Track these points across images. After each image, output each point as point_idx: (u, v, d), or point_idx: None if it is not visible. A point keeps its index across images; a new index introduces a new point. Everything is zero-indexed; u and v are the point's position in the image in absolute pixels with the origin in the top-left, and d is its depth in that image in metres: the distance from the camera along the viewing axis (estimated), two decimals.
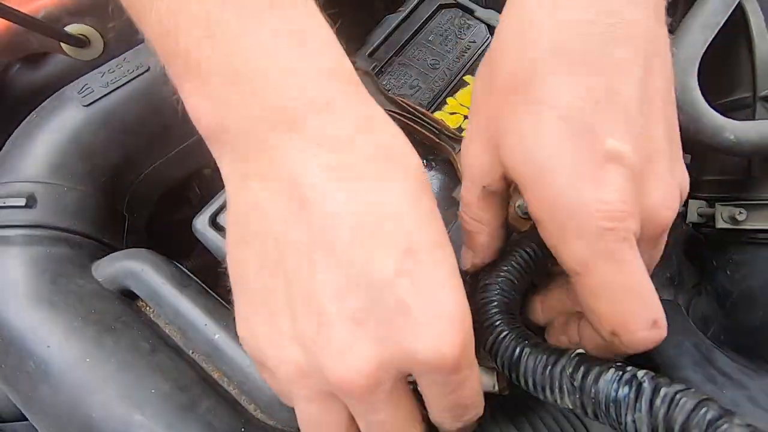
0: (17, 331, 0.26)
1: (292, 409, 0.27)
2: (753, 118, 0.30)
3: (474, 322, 0.18)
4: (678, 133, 0.21)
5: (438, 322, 0.17)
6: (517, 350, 0.20)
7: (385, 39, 0.42)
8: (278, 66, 0.18)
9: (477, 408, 0.21)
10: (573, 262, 0.19)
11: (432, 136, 0.36)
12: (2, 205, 0.28)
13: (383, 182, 0.18)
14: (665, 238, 0.21)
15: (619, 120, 0.19)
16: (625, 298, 0.19)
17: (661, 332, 0.19)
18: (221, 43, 0.18)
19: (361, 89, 0.20)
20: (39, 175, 0.30)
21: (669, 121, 0.20)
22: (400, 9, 0.44)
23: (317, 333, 0.17)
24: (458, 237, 0.33)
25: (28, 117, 0.33)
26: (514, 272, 0.23)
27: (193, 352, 0.29)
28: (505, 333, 0.21)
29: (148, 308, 0.31)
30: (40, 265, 0.28)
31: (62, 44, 0.37)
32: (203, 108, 0.18)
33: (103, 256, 0.31)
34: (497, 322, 0.22)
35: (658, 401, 0.16)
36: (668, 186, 0.20)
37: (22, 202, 0.28)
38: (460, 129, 0.39)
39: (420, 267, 0.17)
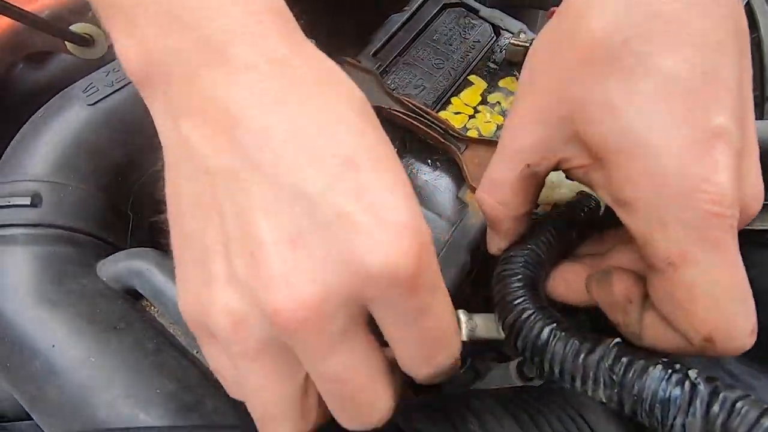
0: (22, 331, 0.26)
1: None
2: (761, 118, 0.30)
3: (495, 295, 0.17)
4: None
5: (386, 228, 0.15)
6: (545, 332, 0.18)
7: (390, 39, 0.42)
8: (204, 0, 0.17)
9: (450, 348, 0.18)
10: (669, 251, 0.17)
11: (437, 135, 0.36)
12: (7, 204, 0.28)
13: (318, 100, 0.17)
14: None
15: (726, 97, 0.17)
16: (729, 299, 0.16)
17: (753, 340, 0.17)
18: None
19: (293, 24, 0.19)
20: (44, 174, 0.30)
21: (753, 108, 0.18)
22: (404, 9, 0.44)
23: (252, 265, 0.16)
24: (461, 236, 0.33)
25: (33, 116, 0.33)
26: (543, 247, 0.21)
27: (197, 352, 0.29)
28: (530, 312, 0.19)
29: (152, 308, 0.30)
30: (45, 265, 0.28)
31: (67, 43, 0.37)
32: (131, 49, 0.18)
33: (107, 256, 0.31)
34: (521, 299, 0.20)
35: (716, 407, 0.15)
36: (759, 177, 0.18)
37: (27, 200, 0.28)
38: (465, 129, 0.39)
39: (362, 174, 0.16)
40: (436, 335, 0.17)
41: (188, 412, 0.25)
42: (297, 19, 0.19)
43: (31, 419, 0.26)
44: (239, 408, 0.27)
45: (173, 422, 0.24)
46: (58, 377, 0.25)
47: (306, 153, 0.16)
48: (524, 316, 0.19)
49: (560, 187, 0.29)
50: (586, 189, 0.26)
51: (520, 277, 0.20)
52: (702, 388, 0.15)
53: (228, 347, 0.17)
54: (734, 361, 0.31)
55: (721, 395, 0.15)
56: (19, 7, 0.32)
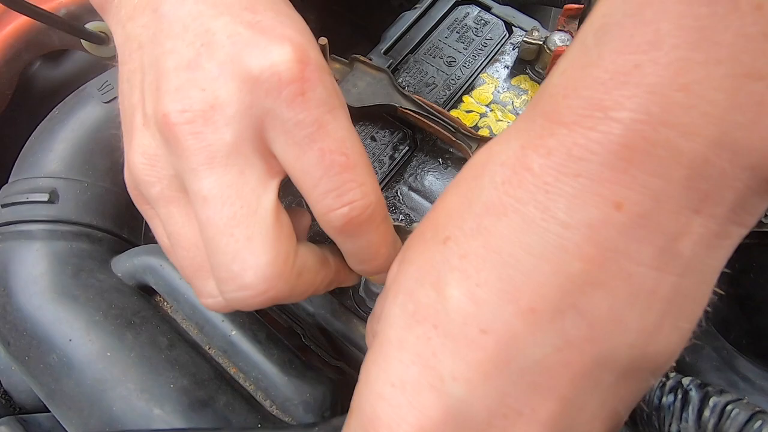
0: (40, 325, 0.26)
1: (307, 405, 0.27)
2: None
3: None
4: None
5: (268, 37, 0.16)
6: None
7: (401, 36, 0.42)
8: None
9: (363, 183, 0.17)
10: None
11: (448, 134, 0.36)
12: (26, 200, 0.29)
13: None
14: None
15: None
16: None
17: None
18: None
19: None
20: (61, 171, 0.31)
21: None
22: (416, 6, 0.44)
23: (156, 96, 0.17)
24: None
25: (50, 114, 0.34)
26: None
27: (209, 348, 0.29)
28: None
29: (165, 303, 0.31)
30: (62, 260, 0.28)
31: (82, 41, 0.37)
32: None
33: (122, 251, 0.31)
34: None
35: (707, 412, 0.15)
36: None
37: (45, 197, 0.29)
38: (477, 127, 0.38)
39: (258, 15, 0.17)
40: (341, 161, 0.16)
41: (201, 408, 0.25)
42: None
43: (49, 411, 0.27)
44: (252, 404, 0.27)
45: (186, 417, 0.24)
46: (75, 371, 0.25)
47: (213, 3, 0.17)
48: None
49: None
50: None
51: None
52: (694, 394, 0.16)
53: (149, 193, 0.18)
54: (750, 365, 0.30)
55: (712, 400, 0.16)
56: (37, 6, 0.33)
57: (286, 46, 0.16)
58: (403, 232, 0.22)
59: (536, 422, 0.13)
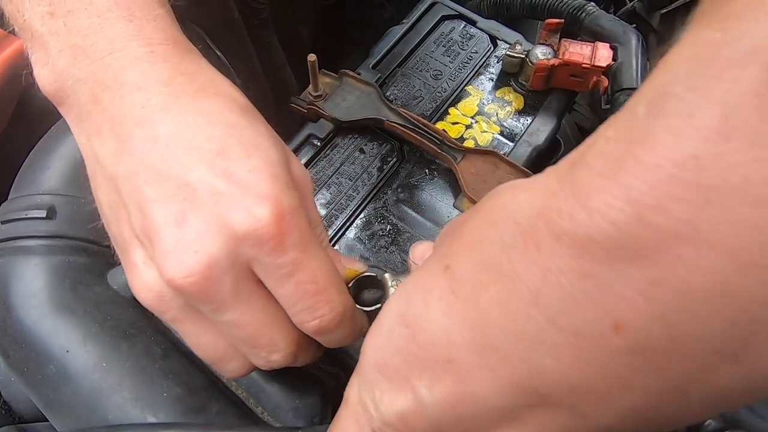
0: (39, 337, 0.27)
1: (297, 412, 0.28)
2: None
3: None
4: None
5: (249, 199, 0.18)
6: None
7: (389, 51, 0.43)
8: (105, 35, 0.21)
9: (331, 300, 0.20)
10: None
11: (434, 147, 0.37)
12: (24, 216, 0.30)
13: (197, 106, 0.20)
14: None
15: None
16: None
17: None
18: (59, 18, 0.20)
19: (186, 49, 0.22)
20: (58, 188, 0.32)
21: None
22: (403, 21, 0.45)
23: (153, 248, 0.19)
24: None
25: (48, 132, 0.35)
26: None
27: None
28: None
29: None
30: (60, 274, 0.29)
31: None
32: (45, 77, 0.21)
33: (118, 264, 0.32)
34: None
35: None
36: None
37: (42, 213, 0.30)
38: (462, 139, 0.40)
39: (232, 162, 0.19)
40: (312, 288, 0.20)
41: (194, 415, 0.26)
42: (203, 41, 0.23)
43: (47, 421, 0.28)
44: (243, 410, 0.28)
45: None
46: (72, 381, 0.26)
47: (186, 149, 0.19)
48: None
49: None
50: None
51: None
52: None
53: (162, 316, 0.21)
54: None
55: None
56: None
57: (264, 206, 0.18)
58: (374, 282, 0.25)
59: None
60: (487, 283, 0.14)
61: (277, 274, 0.19)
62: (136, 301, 0.32)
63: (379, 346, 0.17)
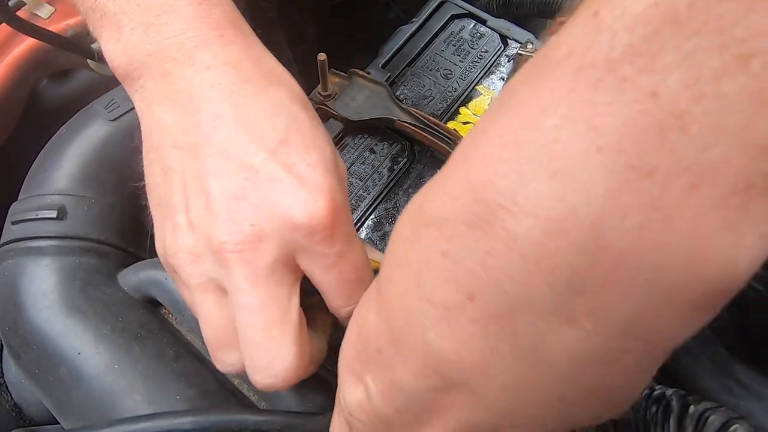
0: (50, 338, 0.27)
1: (309, 414, 0.27)
2: None
3: None
4: None
5: (307, 191, 0.20)
6: None
7: (399, 50, 0.43)
8: (179, 16, 0.22)
9: (364, 290, 0.20)
10: None
11: (445, 146, 0.37)
12: (35, 217, 0.30)
13: (262, 93, 0.21)
14: None
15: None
16: None
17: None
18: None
19: (250, 35, 0.24)
20: (68, 188, 0.32)
21: None
22: (413, 20, 0.45)
23: (205, 214, 0.20)
24: None
25: (58, 132, 0.34)
26: None
27: None
28: None
29: (170, 316, 0.32)
30: (71, 275, 0.29)
31: (88, 61, 0.39)
32: (117, 52, 0.23)
33: (128, 265, 0.32)
34: None
35: (686, 420, 0.16)
36: None
37: (53, 214, 0.30)
38: None
39: (292, 153, 0.20)
40: (353, 277, 0.21)
41: None
42: (255, 31, 0.24)
43: (59, 423, 0.28)
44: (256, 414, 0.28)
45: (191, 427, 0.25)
46: (84, 383, 0.26)
47: (251, 133, 0.20)
48: None
49: None
50: None
51: None
52: (674, 404, 0.17)
53: (188, 281, 0.22)
54: (746, 370, 0.31)
55: (691, 408, 0.17)
56: (44, 28, 0.34)
57: (321, 200, 0.20)
58: None
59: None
60: (391, 277, 0.15)
61: (324, 263, 0.21)
62: (147, 302, 0.32)
63: (344, 345, 0.18)
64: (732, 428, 0.16)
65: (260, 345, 0.21)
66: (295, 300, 0.21)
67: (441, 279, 0.13)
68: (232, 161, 0.20)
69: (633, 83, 0.10)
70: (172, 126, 0.21)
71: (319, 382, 0.29)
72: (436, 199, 0.14)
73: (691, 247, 0.10)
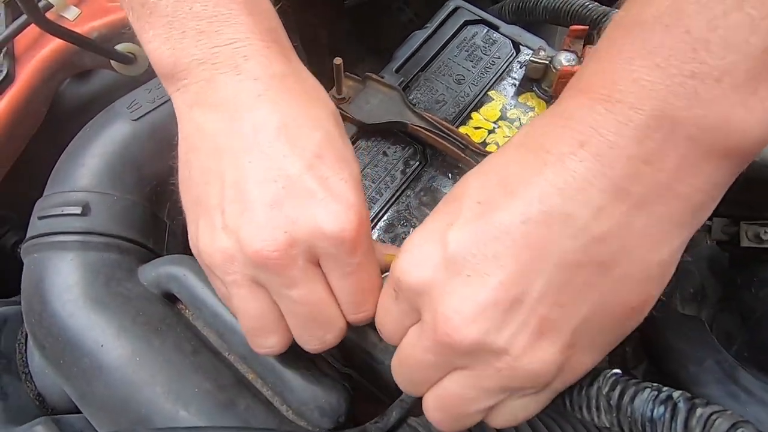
0: (74, 331, 0.28)
1: (323, 410, 0.28)
2: None
3: None
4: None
5: (339, 205, 0.21)
6: None
7: (412, 55, 0.44)
8: (230, 25, 0.23)
9: (374, 299, 0.23)
10: None
11: (457, 150, 0.38)
12: (60, 213, 0.31)
13: (304, 109, 0.23)
14: None
15: None
16: None
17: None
18: (185, 4, 0.22)
19: (290, 50, 0.25)
20: (92, 185, 0.33)
21: None
22: (426, 25, 0.46)
23: (241, 217, 0.21)
24: None
25: (82, 130, 0.35)
26: None
27: (229, 354, 0.31)
28: None
29: (187, 311, 0.32)
30: (94, 270, 0.30)
31: (112, 62, 0.40)
32: (163, 51, 0.23)
33: (147, 261, 0.33)
34: None
35: (693, 421, 0.17)
36: None
37: (78, 210, 0.31)
38: (485, 144, 0.40)
39: (326, 166, 0.22)
40: (366, 287, 0.23)
41: (224, 410, 0.26)
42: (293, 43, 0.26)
43: (81, 413, 0.28)
44: (270, 408, 0.28)
45: (210, 419, 0.26)
46: (106, 374, 0.27)
47: (289, 144, 0.22)
48: None
49: None
50: None
51: None
52: (682, 405, 0.17)
53: (223, 278, 0.23)
54: (751, 377, 0.31)
55: (698, 411, 0.17)
56: (71, 30, 0.35)
57: (350, 214, 0.21)
58: None
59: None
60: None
61: (344, 270, 0.22)
62: (165, 297, 0.33)
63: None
64: (739, 431, 0.16)
65: (312, 325, 0.23)
66: (329, 288, 0.23)
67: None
68: (270, 170, 0.21)
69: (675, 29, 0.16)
70: (214, 130, 0.22)
71: (331, 378, 0.30)
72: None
73: (718, 118, 0.16)
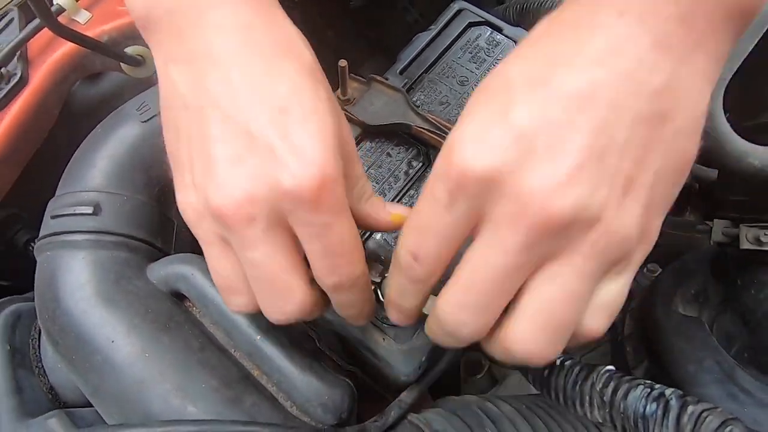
0: (86, 327, 0.29)
1: (326, 407, 0.29)
2: None
3: None
4: None
5: (298, 161, 0.20)
6: (547, 367, 0.22)
7: (416, 57, 0.44)
8: None
9: (351, 264, 0.22)
10: None
11: None
12: (72, 212, 0.32)
13: (269, 63, 0.22)
14: None
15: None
16: None
17: None
18: None
19: (266, 1, 0.23)
20: (103, 186, 0.33)
21: None
22: (430, 27, 0.46)
23: (206, 175, 0.21)
24: None
25: (92, 132, 0.36)
26: None
27: (235, 351, 0.31)
28: None
29: (194, 309, 0.33)
30: (105, 268, 0.31)
31: (121, 64, 0.40)
32: (138, 3, 0.23)
33: (156, 260, 0.34)
34: None
35: (684, 418, 0.17)
36: None
37: (89, 209, 0.31)
38: None
39: (291, 122, 0.21)
40: (338, 250, 0.22)
41: (230, 406, 0.27)
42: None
43: (92, 407, 0.29)
44: (275, 404, 0.29)
45: (217, 415, 0.26)
46: (117, 370, 0.28)
47: (252, 99, 0.21)
48: None
49: None
50: None
51: None
52: (674, 403, 0.18)
53: (196, 235, 0.24)
54: (750, 378, 0.31)
55: (689, 408, 0.17)
56: (83, 34, 0.36)
57: (309, 171, 0.20)
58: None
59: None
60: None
61: (309, 231, 0.21)
62: (173, 295, 0.34)
63: None
64: (728, 429, 0.16)
65: (269, 292, 0.23)
66: (296, 253, 0.22)
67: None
68: (232, 126, 0.21)
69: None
70: (183, 87, 0.22)
71: (335, 375, 0.30)
72: None
73: None
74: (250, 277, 0.23)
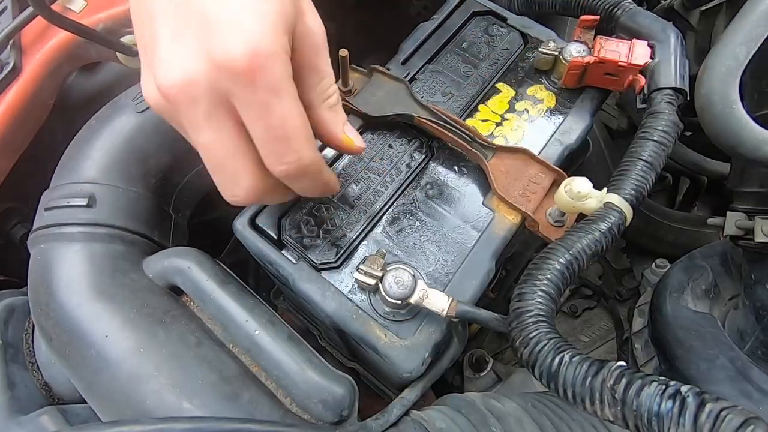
0: (80, 322, 0.28)
1: (326, 404, 0.28)
2: None
3: (512, 330, 0.19)
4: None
5: (232, 31, 0.20)
6: (556, 361, 0.21)
7: (419, 47, 0.43)
8: None
9: (298, 148, 0.22)
10: None
11: (464, 143, 0.37)
12: (66, 204, 0.31)
13: None
14: None
15: None
16: None
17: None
18: None
19: None
20: (98, 177, 0.33)
21: None
22: (434, 17, 0.45)
23: (153, 54, 0.21)
24: (486, 244, 0.34)
25: (88, 123, 0.36)
26: (553, 282, 0.24)
27: (233, 347, 0.30)
28: (542, 344, 0.22)
29: (192, 303, 0.32)
30: (99, 261, 0.30)
31: (117, 53, 0.40)
32: None
33: (152, 253, 0.33)
34: (533, 333, 0.22)
35: (702, 417, 0.16)
36: None
37: (84, 201, 0.31)
38: (492, 136, 0.39)
39: None
40: (281, 133, 0.21)
41: (228, 402, 0.26)
42: None
43: (86, 403, 0.29)
44: (273, 400, 0.28)
45: (214, 411, 0.26)
46: (111, 366, 0.27)
47: None
48: (537, 348, 0.22)
49: (587, 197, 0.29)
50: (613, 201, 0.27)
51: (532, 313, 0.23)
52: (691, 400, 0.17)
53: (161, 115, 0.23)
54: (765, 376, 0.30)
55: (708, 406, 0.16)
56: (77, 22, 0.35)
57: (242, 41, 0.20)
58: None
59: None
60: None
61: (248, 111, 0.21)
62: (170, 289, 0.33)
63: None
64: (749, 429, 0.15)
65: (219, 176, 0.23)
66: (243, 137, 0.22)
67: None
68: (174, 2, 0.20)
69: None
70: None
71: (335, 372, 0.29)
72: None
73: None
74: (204, 161, 0.23)
